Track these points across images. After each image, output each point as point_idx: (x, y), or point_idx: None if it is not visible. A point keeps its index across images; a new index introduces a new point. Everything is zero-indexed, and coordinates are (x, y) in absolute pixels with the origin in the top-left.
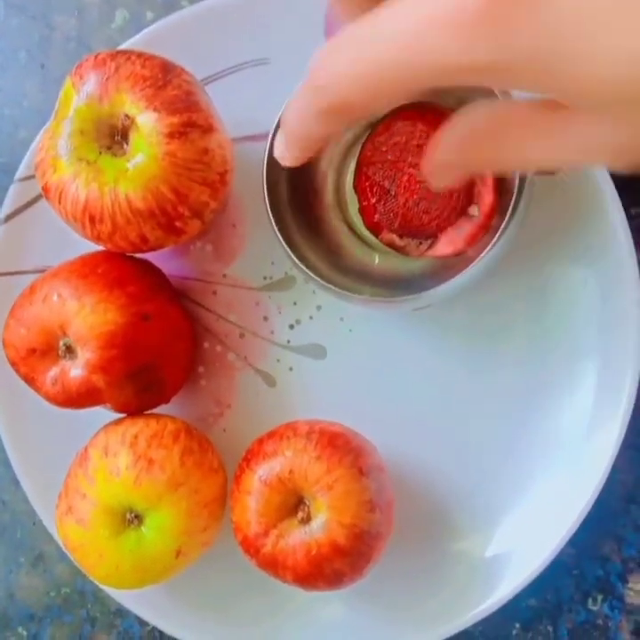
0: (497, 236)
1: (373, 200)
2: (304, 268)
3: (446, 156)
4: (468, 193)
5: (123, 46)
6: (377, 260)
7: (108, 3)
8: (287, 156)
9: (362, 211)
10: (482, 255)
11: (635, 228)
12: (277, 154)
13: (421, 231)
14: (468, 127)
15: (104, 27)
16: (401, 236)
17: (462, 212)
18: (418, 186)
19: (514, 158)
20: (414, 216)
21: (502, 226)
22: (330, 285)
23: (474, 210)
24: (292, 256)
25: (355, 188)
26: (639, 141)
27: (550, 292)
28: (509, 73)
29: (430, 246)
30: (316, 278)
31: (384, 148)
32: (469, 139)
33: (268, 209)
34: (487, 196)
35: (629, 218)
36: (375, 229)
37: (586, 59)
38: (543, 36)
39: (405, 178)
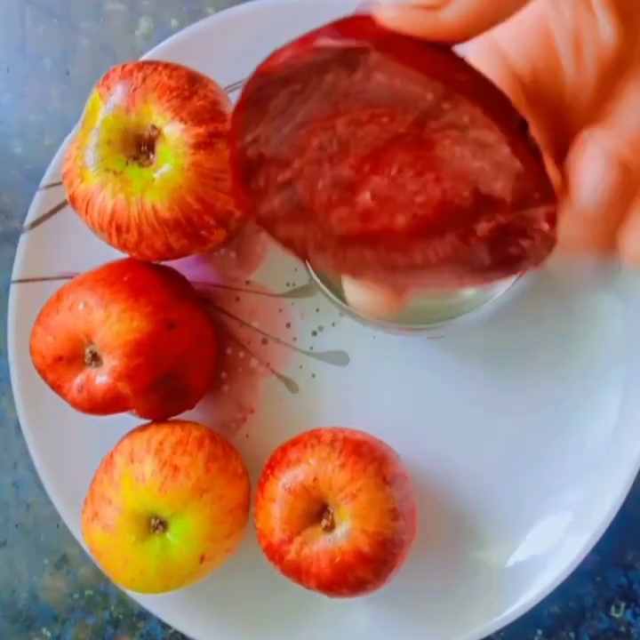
0: (516, 277)
1: None
2: (325, 289)
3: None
4: None
5: (147, 54)
6: None
7: (132, 10)
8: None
9: None
10: (501, 293)
11: None
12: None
13: None
14: None
15: (128, 34)
16: None
17: None
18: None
19: None
20: None
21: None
22: (348, 308)
23: None
24: (313, 275)
25: None
26: None
27: (574, 307)
28: None
29: None
30: (336, 300)
31: None
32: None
33: None
34: None
35: None
36: None
37: None
38: None
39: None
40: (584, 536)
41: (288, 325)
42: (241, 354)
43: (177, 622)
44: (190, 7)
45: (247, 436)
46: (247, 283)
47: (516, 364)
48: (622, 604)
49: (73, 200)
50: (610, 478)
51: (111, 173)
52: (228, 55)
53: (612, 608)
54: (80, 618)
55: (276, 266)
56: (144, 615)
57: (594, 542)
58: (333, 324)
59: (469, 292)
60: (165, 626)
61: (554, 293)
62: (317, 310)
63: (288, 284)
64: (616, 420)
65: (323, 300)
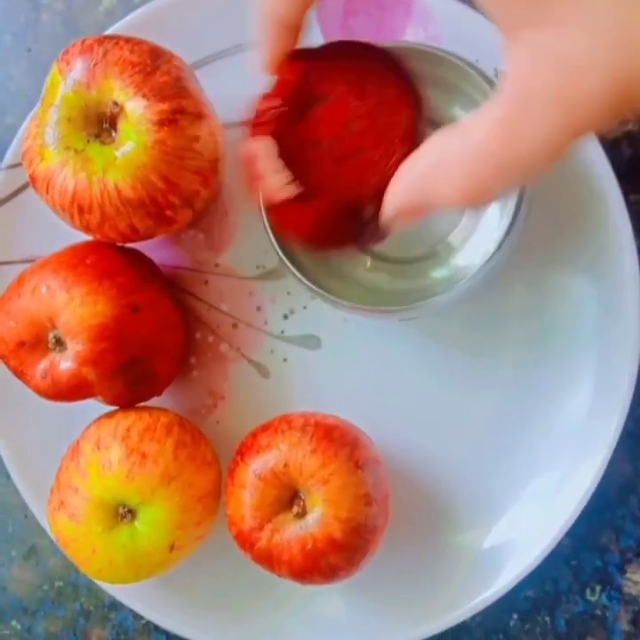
0: (491, 254)
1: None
2: (295, 270)
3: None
4: None
5: (110, 30)
6: (368, 264)
7: None
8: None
9: None
10: (475, 271)
11: (634, 214)
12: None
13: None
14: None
15: (92, 9)
16: None
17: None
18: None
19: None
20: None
21: (498, 243)
22: (318, 289)
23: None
24: (283, 258)
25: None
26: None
27: (547, 286)
28: None
29: None
30: (306, 282)
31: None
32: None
33: (264, 214)
34: None
35: (628, 205)
36: None
37: None
38: None
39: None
40: (559, 519)
41: (258, 309)
42: (210, 338)
43: (149, 612)
44: None
45: (218, 422)
46: (216, 265)
47: (489, 348)
48: (598, 588)
49: (33, 180)
50: (583, 461)
51: (72, 151)
52: (193, 30)
53: (588, 591)
54: (50, 609)
55: (245, 248)
56: (115, 606)
57: (569, 525)
58: (305, 308)
59: (440, 273)
60: (137, 616)
61: (525, 277)
62: (288, 293)
63: (258, 267)
64: (589, 403)
65: (293, 283)
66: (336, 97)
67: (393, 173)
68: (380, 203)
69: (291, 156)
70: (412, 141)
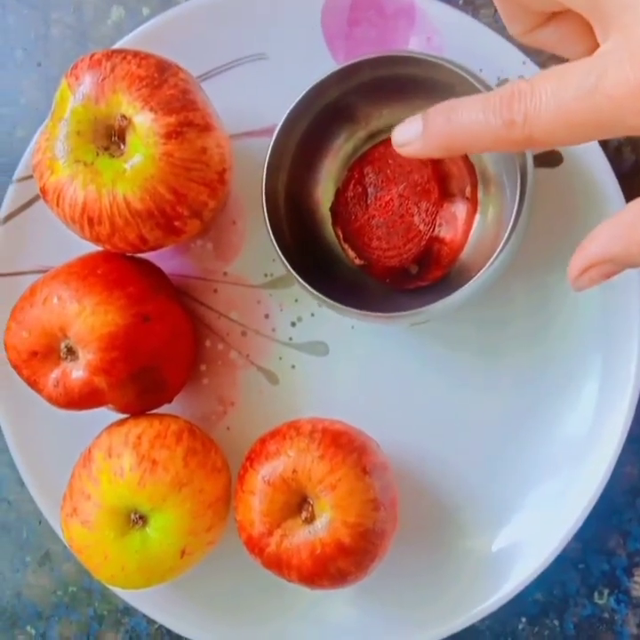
0: (495, 254)
1: (349, 194)
2: (302, 280)
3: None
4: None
5: (119, 43)
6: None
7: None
8: (418, 149)
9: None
10: (481, 272)
11: None
12: (404, 139)
13: (363, 250)
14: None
15: (100, 24)
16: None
17: (415, 258)
18: (391, 213)
19: None
20: (367, 233)
21: (501, 245)
22: (326, 298)
23: (414, 268)
24: (290, 268)
25: (340, 191)
26: None
27: (551, 290)
28: None
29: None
30: (312, 290)
31: (386, 161)
32: None
33: (268, 224)
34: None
35: None
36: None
37: None
38: None
39: (387, 198)
40: (566, 523)
41: (267, 316)
42: (220, 346)
43: (161, 617)
44: None
45: (228, 428)
46: (225, 274)
47: (495, 352)
48: (605, 591)
49: (44, 192)
50: (590, 465)
51: (81, 164)
52: (200, 43)
53: (596, 595)
54: (64, 614)
55: (253, 256)
56: (128, 610)
57: (576, 529)
58: (312, 315)
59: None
60: (150, 621)
61: (529, 282)
62: (296, 301)
63: (266, 275)
64: (595, 407)
65: (301, 291)
66: (385, 188)
67: (430, 233)
68: (423, 260)
69: (355, 236)
70: (441, 203)
